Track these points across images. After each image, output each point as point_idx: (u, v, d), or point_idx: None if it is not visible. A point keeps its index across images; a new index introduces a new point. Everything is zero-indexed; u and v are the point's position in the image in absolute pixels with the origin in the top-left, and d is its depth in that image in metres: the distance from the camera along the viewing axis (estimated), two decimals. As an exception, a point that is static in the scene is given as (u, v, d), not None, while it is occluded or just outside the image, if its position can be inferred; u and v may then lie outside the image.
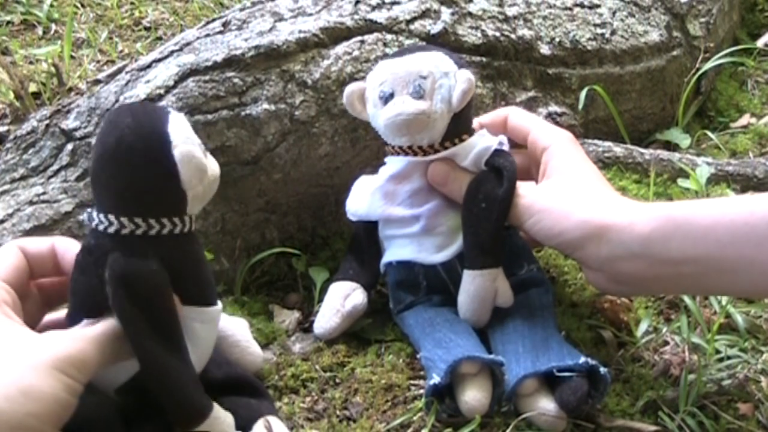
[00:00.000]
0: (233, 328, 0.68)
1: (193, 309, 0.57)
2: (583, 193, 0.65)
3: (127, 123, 0.53)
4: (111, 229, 0.53)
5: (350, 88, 0.71)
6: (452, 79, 0.68)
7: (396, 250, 0.73)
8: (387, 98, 0.68)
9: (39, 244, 0.58)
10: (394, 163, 0.72)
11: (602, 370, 0.61)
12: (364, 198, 0.73)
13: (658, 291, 0.74)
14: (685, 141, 1.09)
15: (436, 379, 0.62)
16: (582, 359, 0.62)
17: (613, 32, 1.05)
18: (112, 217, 0.53)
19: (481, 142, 0.70)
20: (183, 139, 0.54)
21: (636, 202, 0.65)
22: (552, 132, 0.72)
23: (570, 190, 0.66)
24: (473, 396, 0.62)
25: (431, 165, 0.70)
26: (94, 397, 0.53)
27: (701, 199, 0.75)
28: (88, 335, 0.52)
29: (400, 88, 0.68)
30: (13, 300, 0.54)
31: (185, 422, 0.54)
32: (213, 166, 0.58)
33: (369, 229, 0.75)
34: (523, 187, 0.68)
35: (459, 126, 0.69)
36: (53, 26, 1.44)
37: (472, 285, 0.68)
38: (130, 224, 0.53)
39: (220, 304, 0.60)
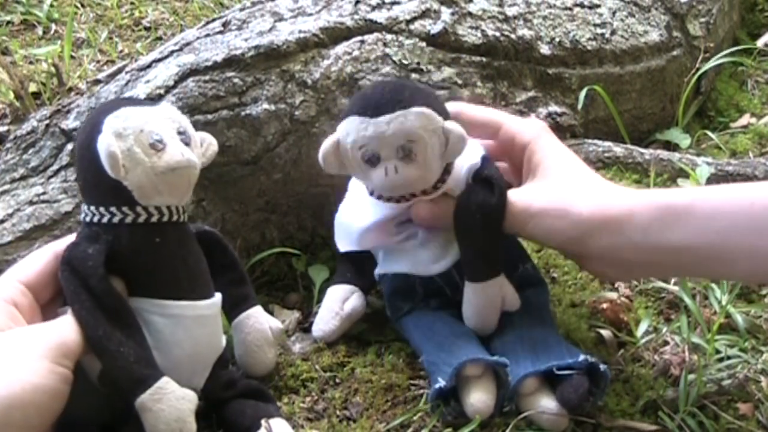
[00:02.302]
0: (252, 327, 0.68)
1: (147, 301, 0.58)
2: (577, 187, 0.64)
3: (89, 117, 0.59)
4: (81, 216, 0.59)
5: (326, 149, 0.65)
6: (441, 136, 0.63)
7: (391, 263, 0.72)
8: (373, 160, 0.64)
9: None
10: (383, 208, 0.68)
11: (602, 366, 0.61)
12: (356, 236, 0.71)
13: (658, 276, 0.75)
14: (685, 141, 1.09)
15: (441, 382, 0.61)
16: (582, 357, 0.62)
17: (613, 32, 1.05)
18: (83, 206, 0.59)
19: (465, 162, 0.67)
20: (114, 129, 0.56)
21: (631, 189, 0.64)
22: (527, 125, 0.70)
23: (562, 186, 0.65)
24: (478, 398, 0.61)
25: (413, 208, 0.67)
26: (83, 394, 0.54)
27: (700, 187, 0.75)
28: (64, 320, 0.55)
29: (386, 152, 0.63)
30: (29, 303, 0.56)
31: (126, 390, 0.54)
32: (169, 159, 0.57)
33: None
34: (514, 193, 0.66)
35: (448, 165, 0.66)
36: (53, 26, 1.44)
37: (480, 297, 0.67)
38: (89, 212, 0.58)
39: (196, 304, 0.60)
